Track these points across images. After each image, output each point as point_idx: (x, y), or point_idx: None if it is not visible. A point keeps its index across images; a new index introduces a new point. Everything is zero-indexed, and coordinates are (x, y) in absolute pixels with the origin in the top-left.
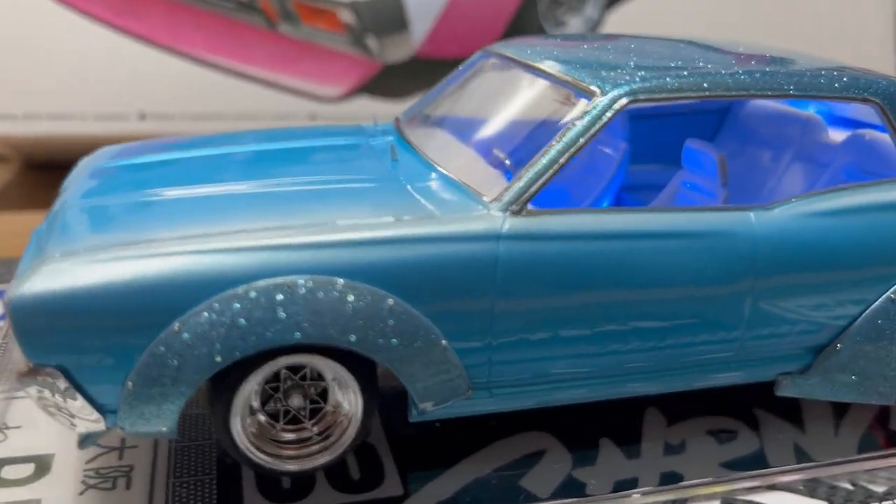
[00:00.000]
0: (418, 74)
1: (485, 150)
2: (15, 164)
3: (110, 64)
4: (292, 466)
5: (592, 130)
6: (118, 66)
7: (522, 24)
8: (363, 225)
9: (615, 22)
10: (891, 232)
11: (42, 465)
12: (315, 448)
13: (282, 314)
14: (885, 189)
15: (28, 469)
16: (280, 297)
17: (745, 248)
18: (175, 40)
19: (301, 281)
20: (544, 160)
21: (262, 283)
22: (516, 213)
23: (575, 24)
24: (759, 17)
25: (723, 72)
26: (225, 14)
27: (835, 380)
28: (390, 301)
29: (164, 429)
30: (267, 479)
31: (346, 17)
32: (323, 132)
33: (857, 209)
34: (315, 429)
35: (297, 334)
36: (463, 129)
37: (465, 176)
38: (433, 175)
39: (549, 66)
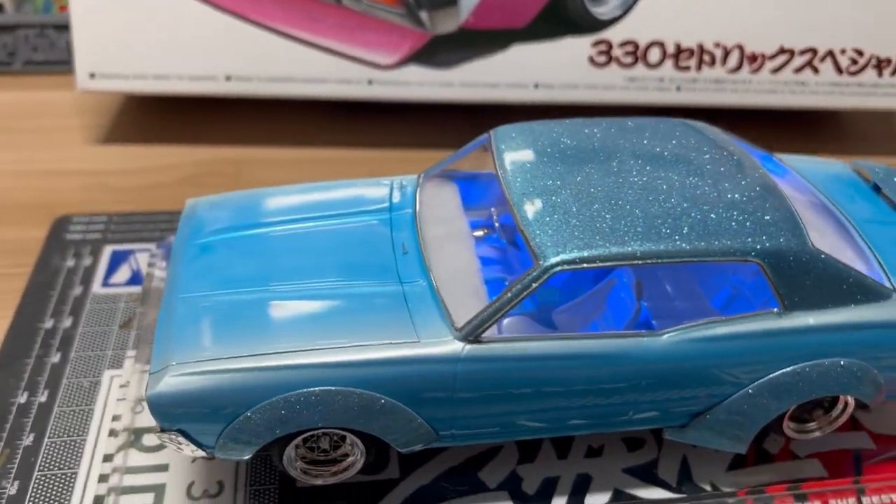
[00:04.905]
0: (463, 45)
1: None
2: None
3: (202, 33)
4: (318, 480)
5: (530, 290)
6: (208, 34)
7: (563, 1)
8: (367, 348)
9: (651, 4)
10: (744, 353)
11: None
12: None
13: (305, 411)
14: (743, 321)
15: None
16: (306, 400)
17: (637, 361)
18: (254, 12)
19: (318, 389)
20: (494, 306)
21: (296, 392)
22: (475, 342)
23: (613, 0)
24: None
25: (632, 247)
26: None
27: (704, 435)
28: (382, 401)
29: (244, 458)
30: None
31: None
32: (355, 200)
33: (722, 337)
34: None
35: (319, 421)
36: (460, 234)
37: (448, 299)
38: (428, 295)
39: (516, 208)
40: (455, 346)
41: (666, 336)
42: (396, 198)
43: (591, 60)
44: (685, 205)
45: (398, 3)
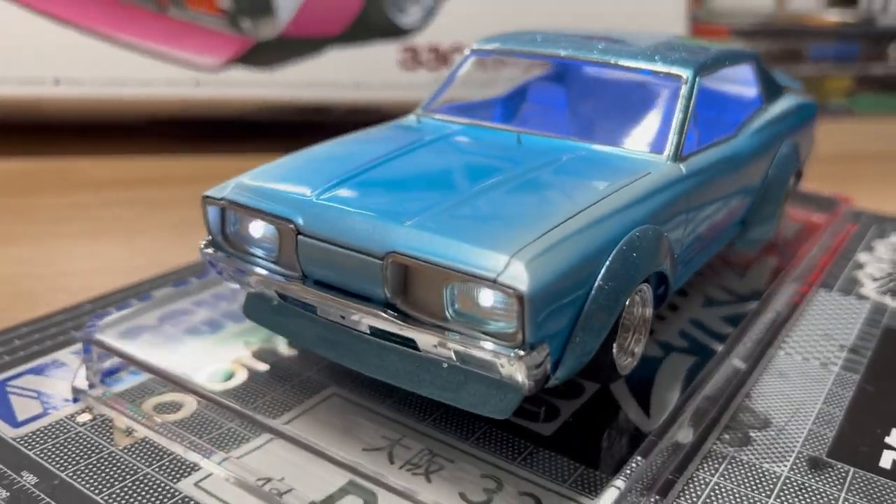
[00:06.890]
0: (282, 50)
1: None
2: None
3: (29, 38)
4: (641, 344)
5: (692, 104)
6: (36, 40)
7: (370, 11)
8: (626, 188)
9: (451, 9)
10: (770, 139)
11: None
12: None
13: (637, 260)
14: (760, 115)
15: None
16: (635, 245)
17: (741, 156)
18: (81, 18)
19: (636, 232)
20: (677, 128)
21: (625, 240)
22: (682, 160)
23: (414, 11)
24: None
25: (717, 55)
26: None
27: (754, 236)
28: (665, 234)
29: (585, 364)
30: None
31: (224, 2)
32: (408, 135)
33: (758, 128)
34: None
35: (650, 266)
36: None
37: (617, 143)
38: (595, 150)
39: (613, 59)
40: (677, 167)
41: (742, 133)
42: (433, 127)
43: (401, 64)
44: (685, 43)
45: (221, 13)
